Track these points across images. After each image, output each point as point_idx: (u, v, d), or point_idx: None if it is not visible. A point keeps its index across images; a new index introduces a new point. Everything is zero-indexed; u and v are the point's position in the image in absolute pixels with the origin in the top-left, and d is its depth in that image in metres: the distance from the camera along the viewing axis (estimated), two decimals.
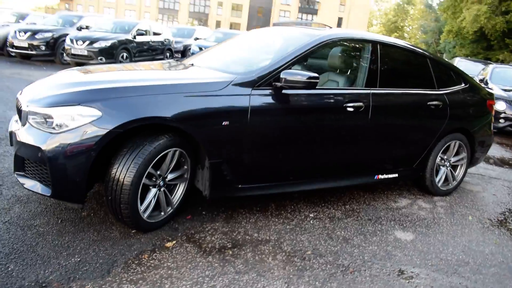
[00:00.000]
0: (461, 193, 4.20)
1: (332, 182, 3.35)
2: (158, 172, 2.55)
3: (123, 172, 2.33)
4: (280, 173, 3.05)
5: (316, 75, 2.75)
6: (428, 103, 3.65)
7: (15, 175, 2.55)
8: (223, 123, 2.60)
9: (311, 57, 3.65)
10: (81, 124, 2.27)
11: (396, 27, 67.74)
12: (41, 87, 2.66)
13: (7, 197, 2.88)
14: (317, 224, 3.05)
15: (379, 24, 76.81)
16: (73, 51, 10.59)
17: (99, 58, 10.46)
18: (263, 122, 2.79)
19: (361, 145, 3.33)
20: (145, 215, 2.54)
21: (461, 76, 4.08)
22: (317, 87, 2.97)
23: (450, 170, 4.06)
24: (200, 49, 12.10)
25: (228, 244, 2.61)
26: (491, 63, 11.94)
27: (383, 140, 3.47)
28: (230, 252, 2.51)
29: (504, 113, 7.79)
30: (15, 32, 10.98)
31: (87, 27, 12.14)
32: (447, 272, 2.60)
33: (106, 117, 2.28)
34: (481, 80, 9.09)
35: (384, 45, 3.49)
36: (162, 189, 2.62)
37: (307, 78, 2.70)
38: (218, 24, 56.62)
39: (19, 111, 2.62)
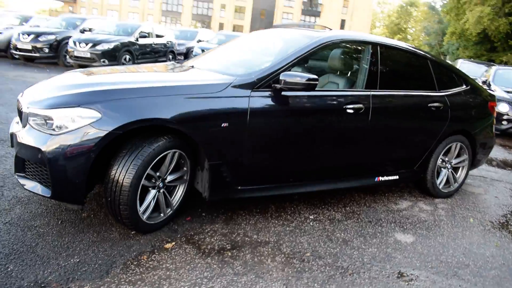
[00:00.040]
0: (463, 195, 4.18)
1: (332, 184, 3.35)
2: (158, 174, 2.56)
3: (122, 173, 2.34)
4: (279, 175, 3.06)
5: (315, 76, 2.76)
6: (429, 104, 3.64)
7: (16, 176, 2.57)
8: (222, 125, 2.61)
9: (312, 59, 3.66)
10: (81, 126, 2.28)
11: (399, 29, 67.73)
12: (42, 89, 2.68)
13: (8, 198, 2.90)
14: (317, 226, 3.04)
15: (382, 26, 76.75)
16: (76, 53, 10.64)
17: (101, 60, 10.50)
18: (263, 123, 2.80)
19: (361, 147, 3.33)
20: (145, 216, 2.54)
21: (462, 78, 4.07)
22: (317, 89, 2.97)
23: (452, 172, 4.05)
24: (203, 51, 12.12)
25: (227, 245, 2.62)
26: (494, 65, 11.89)
27: (383, 141, 3.47)
28: (229, 254, 2.52)
29: (507, 115, 7.75)
30: (19, 34, 11.04)
31: (90, 30, 12.21)
32: (446, 274, 2.59)
33: (105, 118, 2.29)
34: (484, 82, 9.05)
35: (384, 46, 3.49)
36: (161, 191, 2.63)
37: (306, 80, 2.71)
38: (221, 26, 56.77)
39: (20, 113, 2.64)
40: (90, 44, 10.59)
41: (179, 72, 3.36)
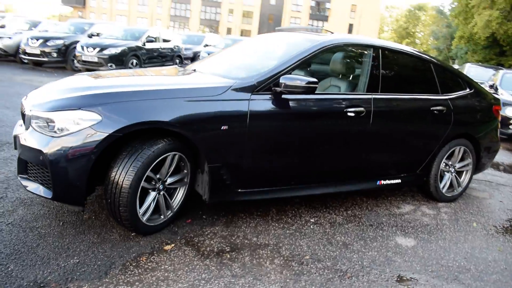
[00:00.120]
0: (467, 199, 4.15)
1: (333, 187, 3.34)
2: (158, 176, 2.58)
3: (122, 175, 2.37)
4: (279, 178, 3.06)
5: (315, 80, 2.76)
6: (431, 108, 3.62)
7: (19, 177, 2.61)
8: (222, 128, 2.62)
9: (314, 62, 3.67)
10: (82, 128, 2.31)
11: (408, 33, 67.49)
12: (45, 92, 2.72)
13: (11, 200, 2.94)
14: (317, 229, 3.04)
15: (390, 30, 76.54)
16: (83, 58, 10.77)
17: (109, 64, 10.61)
18: (263, 126, 2.81)
19: (362, 150, 3.32)
20: (144, 218, 2.56)
21: (466, 81, 4.05)
22: (318, 92, 2.98)
23: (455, 176, 4.01)
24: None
25: (226, 247, 2.62)
26: (501, 69, 11.79)
27: (385, 145, 3.46)
28: (228, 256, 2.52)
29: None
30: (28, 39, 11.21)
31: (98, 34, 12.34)
32: (447, 278, 2.57)
33: (106, 121, 2.32)
34: (491, 86, 8.96)
35: (386, 50, 3.49)
36: (161, 193, 2.65)
37: (306, 83, 2.71)
38: (229, 31, 57.06)
39: (23, 115, 2.68)
40: (97, 49, 10.71)
41: (181, 75, 3.39)
